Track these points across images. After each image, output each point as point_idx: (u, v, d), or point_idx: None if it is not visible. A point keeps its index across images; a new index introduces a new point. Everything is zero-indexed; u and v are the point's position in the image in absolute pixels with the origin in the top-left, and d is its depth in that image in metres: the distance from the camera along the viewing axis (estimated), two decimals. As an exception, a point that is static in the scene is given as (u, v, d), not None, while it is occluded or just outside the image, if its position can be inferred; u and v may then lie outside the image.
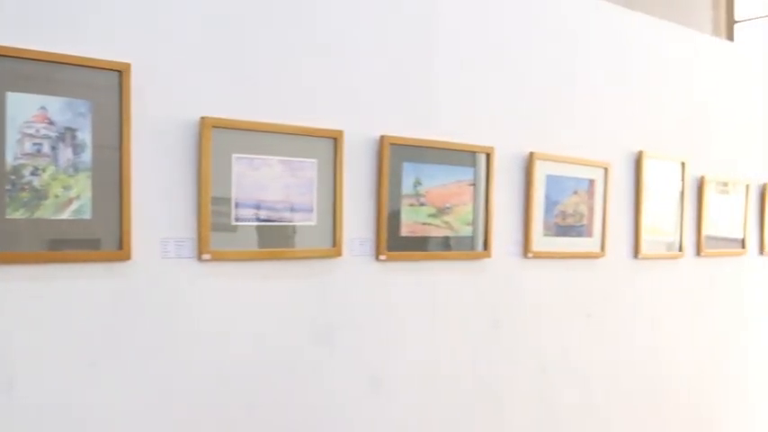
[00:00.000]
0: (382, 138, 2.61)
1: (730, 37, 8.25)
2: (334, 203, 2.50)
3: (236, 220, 2.32)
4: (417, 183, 2.71)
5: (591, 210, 3.30)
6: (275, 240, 2.40)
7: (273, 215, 2.39)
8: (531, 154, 3.05)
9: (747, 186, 4.16)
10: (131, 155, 2.08)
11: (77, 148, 2.02)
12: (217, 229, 2.27)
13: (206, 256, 2.24)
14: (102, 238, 2.07)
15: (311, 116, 2.46)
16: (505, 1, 3.05)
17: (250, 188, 2.33)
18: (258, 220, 2.36)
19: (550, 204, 3.13)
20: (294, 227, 2.44)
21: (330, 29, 2.53)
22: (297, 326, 2.46)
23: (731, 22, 8.36)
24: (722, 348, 4.06)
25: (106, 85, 2.06)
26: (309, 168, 2.45)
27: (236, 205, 2.31)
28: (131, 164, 2.09)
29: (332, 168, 2.50)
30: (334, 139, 2.49)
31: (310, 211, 2.47)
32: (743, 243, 4.18)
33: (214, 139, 2.24)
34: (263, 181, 2.36)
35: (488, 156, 2.90)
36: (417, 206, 2.72)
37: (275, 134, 2.37)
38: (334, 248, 2.52)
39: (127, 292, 2.12)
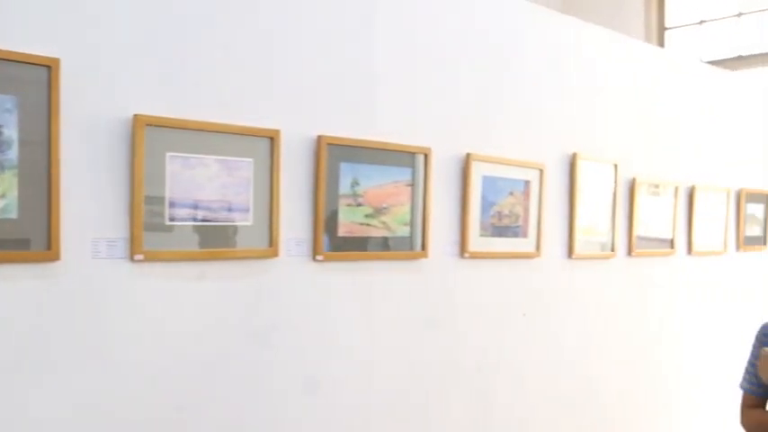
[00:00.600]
0: (320, 138, 2.61)
1: (661, 43, 8.48)
2: (271, 203, 2.49)
3: (171, 219, 2.28)
4: (355, 183, 2.71)
5: (526, 210, 3.36)
6: (211, 240, 2.37)
7: (209, 215, 2.36)
8: (468, 155, 3.08)
9: (677, 188, 4.29)
10: (60, 152, 2.03)
11: (3, 145, 1.95)
12: (150, 229, 2.23)
13: (139, 257, 2.20)
14: (30, 239, 2.01)
15: (248, 115, 2.44)
16: (443, 4, 3.08)
17: (185, 187, 2.30)
18: (193, 219, 2.33)
19: (487, 205, 3.17)
20: (230, 227, 2.41)
21: (269, 28, 2.51)
22: (232, 326, 2.44)
23: (662, 29, 8.60)
24: (652, 347, 4.17)
25: (34, 81, 2.00)
26: (246, 168, 2.43)
27: (171, 205, 2.27)
28: (60, 162, 2.03)
29: (269, 168, 2.48)
30: (271, 138, 2.48)
31: (247, 211, 2.45)
32: (672, 243, 4.29)
33: (147, 137, 2.20)
34: (198, 180, 2.33)
35: (426, 156, 2.92)
36: (355, 206, 2.72)
37: (211, 133, 2.34)
38: (271, 249, 2.50)
39: (56, 293, 2.07)
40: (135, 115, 2.17)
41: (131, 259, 2.19)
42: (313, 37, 2.63)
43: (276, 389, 2.55)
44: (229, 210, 2.40)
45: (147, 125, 2.19)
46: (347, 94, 2.73)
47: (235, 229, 2.42)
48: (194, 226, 2.33)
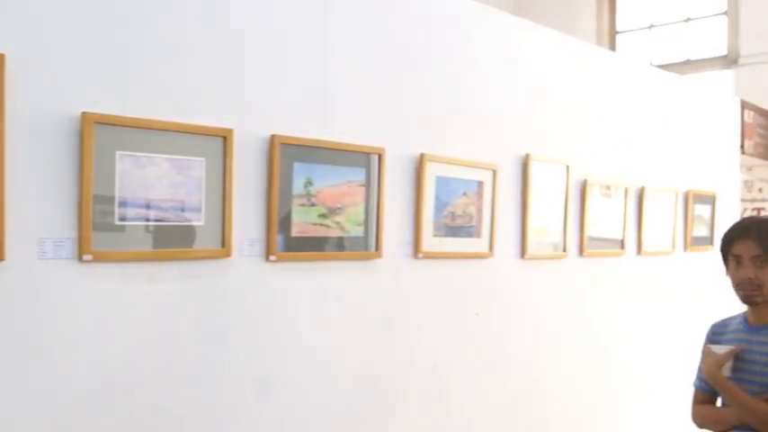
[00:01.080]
0: (273, 137, 2.59)
1: (612, 46, 8.63)
2: (224, 203, 2.46)
3: (121, 219, 2.25)
4: (308, 183, 2.70)
5: (480, 211, 3.38)
6: (162, 240, 2.34)
7: (160, 214, 2.33)
8: (422, 155, 3.09)
9: (626, 190, 4.36)
10: (5, 150, 1.98)
11: (-55, 143, 1.90)
12: (99, 229, 2.19)
13: (87, 257, 2.16)
14: (-27, 238, 1.96)
15: (200, 114, 2.41)
16: (398, 4, 3.09)
17: (135, 187, 2.27)
18: (144, 219, 2.30)
19: (440, 205, 3.19)
20: (182, 227, 2.39)
21: (221, 25, 2.49)
22: (184, 327, 2.41)
23: (613, 33, 8.75)
24: (602, 346, 4.24)
25: (-22, 77, 1.95)
26: (198, 167, 2.41)
27: (121, 204, 2.24)
28: (5, 159, 1.99)
29: (221, 168, 2.46)
30: (224, 137, 2.45)
31: (199, 210, 2.42)
32: (622, 244, 4.37)
33: (96, 135, 2.16)
34: (149, 179, 2.30)
35: (380, 157, 2.92)
36: (308, 206, 2.71)
37: (162, 131, 2.31)
38: (224, 249, 2.48)
39: (1, 294, 2.02)
40: (83, 113, 2.13)
41: (80, 260, 2.16)
42: (267, 36, 2.61)
43: (229, 390, 2.53)
44: (181, 209, 2.37)
45: (96, 123, 2.15)
46: (301, 94, 2.72)
47: (186, 229, 2.40)
48: (145, 226, 2.30)
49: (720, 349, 2.63)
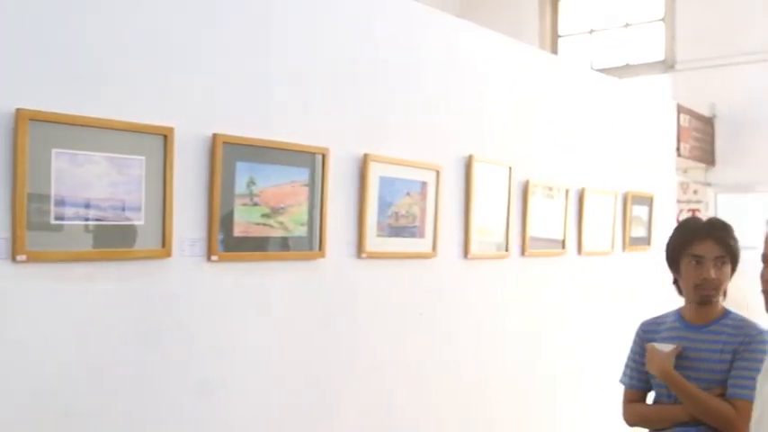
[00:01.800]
0: (215, 136, 2.56)
1: (554, 50, 8.78)
2: (164, 202, 2.43)
3: (57, 218, 2.20)
4: (251, 182, 2.68)
5: (423, 211, 3.40)
6: (100, 240, 2.30)
7: (98, 214, 2.28)
8: (366, 156, 3.10)
9: (567, 191, 4.44)
10: (-65, 147, 1.92)
11: None
12: (34, 228, 2.14)
13: (21, 257, 2.10)
14: None
15: (140, 112, 2.37)
16: (343, 4, 3.09)
17: (72, 185, 2.22)
18: (82, 218, 2.25)
19: (384, 206, 3.19)
20: (121, 226, 2.34)
21: (163, 23, 2.45)
22: (123, 329, 2.36)
23: (555, 36, 8.89)
24: (543, 345, 4.30)
25: None
26: (137, 166, 2.37)
27: (57, 203, 2.19)
28: (-65, 157, 1.93)
29: (161, 166, 2.43)
30: (164, 136, 2.42)
31: (138, 210, 2.38)
32: (563, 244, 4.44)
33: (31, 132, 2.11)
34: (86, 178, 2.25)
35: (323, 157, 2.91)
36: (251, 206, 2.69)
37: (100, 129, 2.26)
38: (164, 249, 2.44)
39: (-71, 296, 1.96)
40: (17, 109, 2.08)
41: (13, 260, 2.10)
42: (209, 34, 2.59)
43: (168, 392, 2.49)
44: (120, 209, 2.33)
45: (31, 120, 2.10)
46: (244, 93, 2.70)
47: (125, 228, 2.35)
48: (82, 225, 2.25)
49: (665, 347, 2.69)
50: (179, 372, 2.52)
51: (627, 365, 2.89)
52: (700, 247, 2.65)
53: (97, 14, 2.28)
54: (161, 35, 2.45)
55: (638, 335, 2.90)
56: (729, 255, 2.65)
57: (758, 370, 2.54)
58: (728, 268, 2.66)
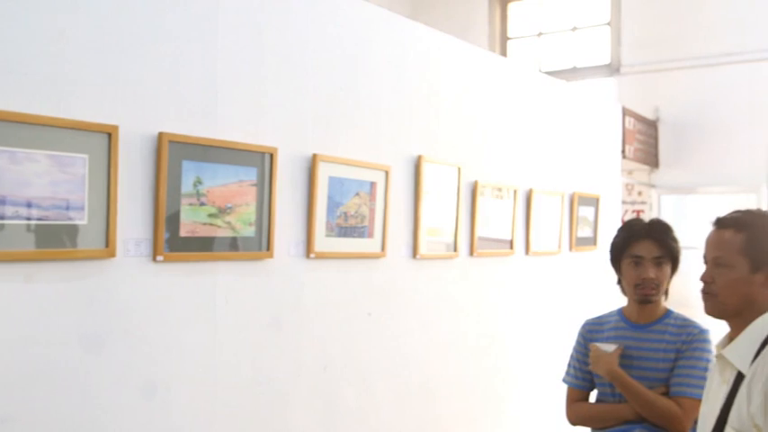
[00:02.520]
0: (161, 134, 2.53)
1: (504, 52, 8.86)
2: (108, 202, 2.38)
3: (-5, 218, 2.14)
4: (198, 182, 2.65)
5: (372, 211, 3.41)
6: (41, 240, 2.24)
7: (39, 213, 2.23)
8: (315, 156, 3.09)
9: (515, 192, 4.49)
10: None
11: None
12: (-29, 228, 2.08)
13: (-43, 258, 2.05)
14: None
15: (83, 110, 2.33)
16: (290, 3, 3.07)
17: (11, 184, 2.16)
18: (22, 218, 2.19)
19: (333, 205, 3.19)
20: (62, 226, 2.29)
21: (108, 19, 2.40)
22: (64, 330, 2.31)
23: (505, 39, 8.98)
24: (491, 345, 4.34)
25: None
26: (80, 164, 2.32)
27: (-5, 202, 2.13)
28: None
29: (106, 165, 2.38)
30: (109, 134, 2.37)
31: (81, 209, 2.33)
32: (511, 244, 4.49)
33: (-32, 129, 2.05)
34: (26, 176, 2.19)
35: (272, 156, 2.89)
36: (198, 206, 2.66)
37: (41, 126, 2.21)
38: (107, 249, 2.39)
39: None
40: (-46, 105, 2.02)
41: (-51, 260, 2.04)
42: (155, 32, 2.55)
43: (110, 396, 2.44)
44: (62, 208, 2.28)
45: (-32, 116, 2.04)
46: (191, 92, 2.67)
47: (67, 228, 2.30)
48: (23, 225, 2.19)
49: (608, 347, 2.74)
50: (122, 375, 2.47)
51: (570, 365, 2.94)
52: (639, 248, 2.72)
53: (39, 10, 2.23)
54: (106, 31, 2.40)
55: (581, 334, 2.96)
56: (669, 255, 2.71)
57: (702, 368, 2.63)
58: (668, 268, 2.72)
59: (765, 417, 1.88)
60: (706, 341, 2.66)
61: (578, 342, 2.94)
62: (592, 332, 2.90)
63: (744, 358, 2.03)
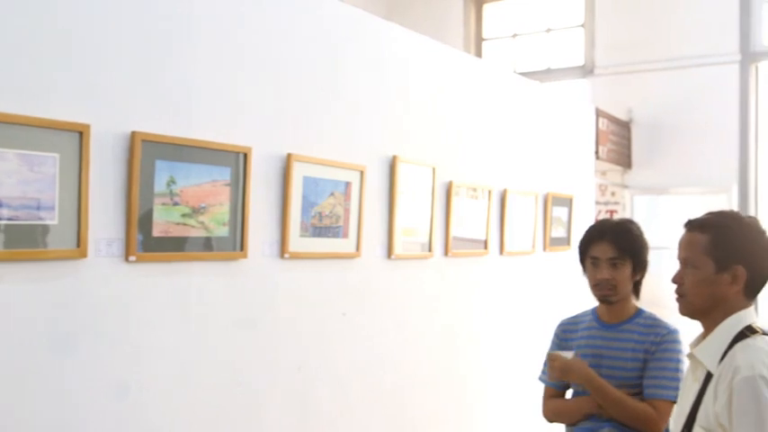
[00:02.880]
0: (134, 134, 2.50)
1: (479, 53, 8.90)
2: (79, 201, 2.36)
3: (-36, 217, 2.11)
4: (171, 181, 2.63)
5: (347, 211, 3.40)
6: (11, 240, 2.21)
7: (9, 213, 2.20)
8: (289, 155, 3.08)
9: (490, 192, 4.51)
10: None
11: None
12: (-62, 228, 2.05)
13: (-76, 258, 2.01)
14: None
15: (55, 108, 2.30)
16: (267, 3, 3.06)
17: (-20, 183, 2.13)
18: (-10, 218, 2.16)
19: (307, 205, 3.18)
20: (32, 226, 2.26)
21: (81, 16, 2.38)
22: (35, 332, 2.28)
23: (480, 40, 9.02)
24: (467, 344, 4.36)
25: None
26: (51, 164, 2.29)
27: (-37, 202, 2.10)
28: None
29: (77, 164, 2.35)
30: (80, 132, 2.35)
31: (52, 209, 2.31)
32: (486, 244, 4.51)
33: (-64, 127, 2.02)
34: (-4, 176, 2.16)
35: (246, 156, 2.88)
36: (171, 206, 2.64)
37: (10, 125, 2.18)
38: (79, 249, 2.37)
39: None
40: None
41: None
42: (128, 29, 2.52)
43: (83, 398, 2.41)
44: (32, 208, 2.25)
45: (-64, 115, 2.01)
46: (164, 90, 2.65)
47: (38, 228, 2.27)
48: (-8, 225, 2.17)
49: (566, 354, 2.79)
50: (95, 376, 2.45)
51: (545, 363, 2.97)
52: (596, 249, 2.77)
53: (10, 9, 2.20)
54: (78, 28, 2.38)
55: (556, 334, 2.99)
56: (628, 256, 2.74)
57: (673, 369, 2.66)
58: (626, 269, 2.75)
59: (729, 416, 1.92)
60: (674, 341, 2.69)
61: (553, 342, 2.98)
62: (566, 332, 2.94)
63: (712, 358, 2.06)
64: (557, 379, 2.79)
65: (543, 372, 2.97)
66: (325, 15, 3.36)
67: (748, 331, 2.04)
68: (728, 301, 2.09)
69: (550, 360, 2.79)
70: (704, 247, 2.11)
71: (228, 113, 2.88)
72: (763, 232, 2.12)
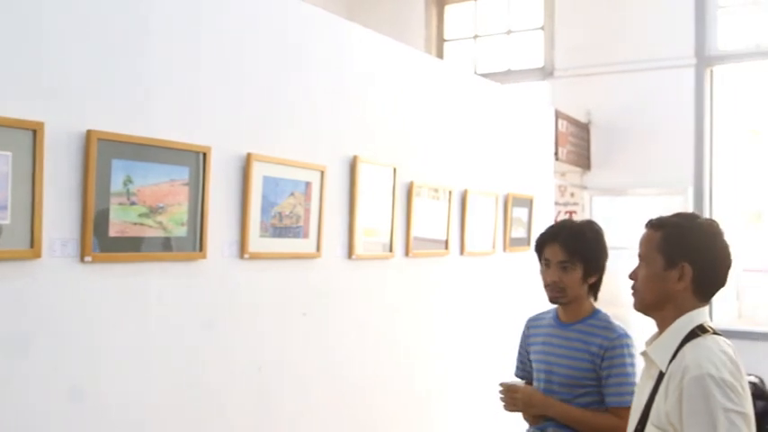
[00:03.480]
0: (89, 132, 2.47)
1: (440, 54, 8.93)
2: (33, 201, 2.31)
3: None
4: (128, 181, 2.59)
5: (308, 211, 3.39)
6: (-38, 241, 2.17)
7: (-40, 213, 2.15)
8: (249, 155, 3.05)
9: (450, 192, 4.53)
10: None
11: None
12: None
13: None
14: None
15: (6, 105, 2.25)
16: (225, 2, 3.03)
17: (-70, 182, 2.08)
18: (-60, 217, 2.11)
19: (267, 205, 3.16)
20: (-16, 226, 2.21)
21: (32, 11, 2.33)
22: (-14, 335, 2.24)
23: (441, 41, 9.06)
24: (427, 344, 4.37)
25: None
26: (3, 162, 2.25)
27: None
28: None
29: (30, 163, 2.31)
30: (34, 131, 2.30)
31: (4, 208, 2.26)
32: (446, 244, 4.53)
33: None
34: (-55, 174, 2.11)
35: (205, 155, 2.85)
36: (128, 205, 2.60)
37: (-39, 123, 2.14)
38: (32, 249, 2.32)
39: None
40: None
41: None
42: (85, 24, 2.48)
43: (36, 401, 2.36)
44: (-16, 207, 2.20)
45: None
46: (121, 88, 2.61)
47: (-10, 228, 2.23)
48: (-59, 225, 2.12)
49: (515, 381, 2.92)
50: (49, 379, 2.40)
51: (517, 359, 3.11)
52: (548, 251, 2.85)
53: (-41, 1, 2.15)
54: (32, 24, 2.33)
55: (524, 330, 3.11)
56: (578, 260, 2.79)
57: (628, 374, 2.71)
58: (576, 273, 2.79)
59: (680, 415, 1.96)
60: (624, 346, 2.74)
61: (521, 336, 3.10)
62: (531, 328, 3.07)
63: (664, 357, 2.11)
64: (517, 411, 2.88)
65: (516, 367, 3.08)
66: (285, 14, 3.34)
67: (699, 331, 2.09)
68: (677, 298, 2.13)
69: (510, 391, 2.85)
70: (657, 243, 2.17)
71: (187, 112, 2.85)
72: (716, 235, 2.16)
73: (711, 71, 7.55)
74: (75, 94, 2.46)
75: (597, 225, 2.93)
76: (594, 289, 2.88)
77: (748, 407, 1.96)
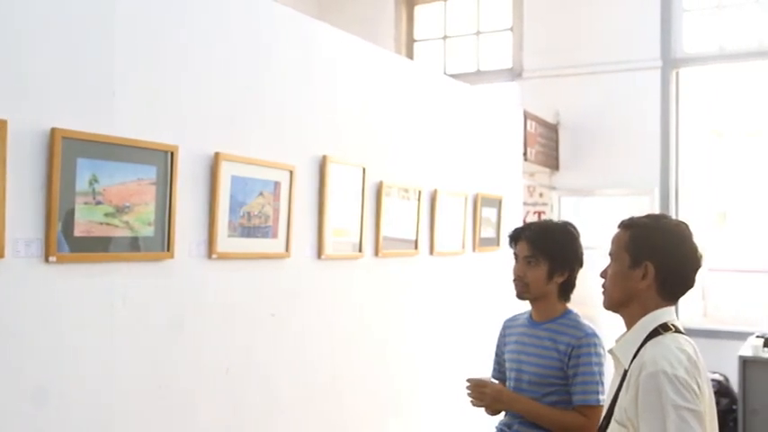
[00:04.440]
0: (53, 130, 2.43)
1: (410, 55, 8.94)
2: (-5, 200, 2.27)
3: None
4: (93, 180, 2.56)
5: (276, 211, 3.37)
6: None
7: None
8: (217, 154, 3.03)
9: (420, 192, 4.53)
10: None
11: None
12: None
13: None
14: None
15: (-31, 103, 2.22)
16: (192, 0, 3.02)
17: None
18: None
19: (236, 205, 3.14)
20: (-55, 225, 2.17)
21: (-7, 8, 2.30)
22: (-53, 336, 2.19)
23: (411, 42, 9.07)
24: (397, 344, 4.37)
25: None
26: (-36, 161, 2.21)
27: None
28: None
29: (-7, 162, 2.27)
30: (-4, 129, 2.27)
31: (-34, 208, 2.22)
32: (416, 244, 4.53)
33: None
34: None
35: (172, 155, 2.83)
36: (93, 205, 2.57)
37: None
38: (-5, 250, 2.28)
39: None
40: None
41: None
42: (48, 20, 2.45)
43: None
44: (-56, 207, 2.16)
45: None
46: (86, 85, 2.57)
47: (-49, 228, 2.18)
48: None
49: (484, 378, 2.96)
50: (11, 382, 2.36)
51: (494, 360, 3.16)
52: (517, 246, 2.94)
53: None
54: (-7, 21, 2.29)
55: (500, 331, 3.18)
56: (543, 257, 2.85)
57: (594, 373, 2.75)
58: (540, 269, 2.86)
59: (636, 411, 2.00)
60: (591, 345, 2.79)
61: (498, 337, 3.15)
62: (507, 327, 3.16)
63: (627, 355, 2.15)
64: (486, 407, 2.91)
65: (493, 368, 3.12)
66: (253, 13, 3.32)
67: (662, 329, 2.13)
68: (641, 296, 2.17)
69: (479, 386, 2.88)
70: (625, 242, 2.22)
71: (154, 111, 2.82)
72: (684, 236, 2.20)
73: (677, 73, 7.65)
74: (40, 92, 2.42)
75: (573, 227, 2.96)
76: (565, 289, 2.91)
77: (704, 405, 1.99)
